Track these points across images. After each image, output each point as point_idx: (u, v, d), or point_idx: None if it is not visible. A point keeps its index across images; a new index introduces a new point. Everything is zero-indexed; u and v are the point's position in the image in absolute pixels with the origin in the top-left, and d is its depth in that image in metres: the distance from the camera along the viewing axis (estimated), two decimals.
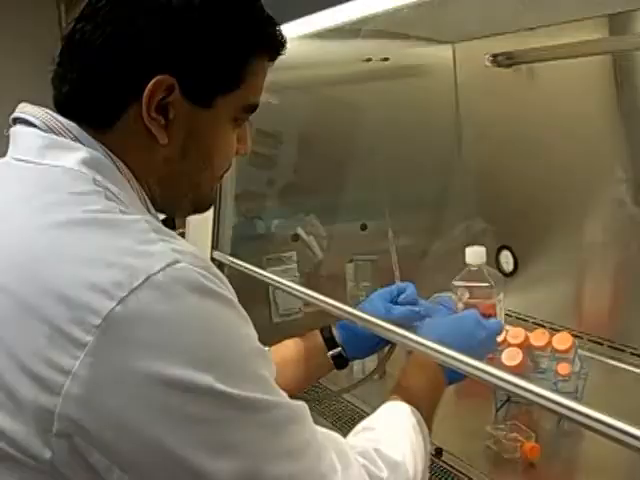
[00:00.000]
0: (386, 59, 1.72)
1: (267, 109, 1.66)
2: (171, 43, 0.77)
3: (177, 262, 0.66)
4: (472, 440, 1.18)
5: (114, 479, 0.65)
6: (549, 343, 1.22)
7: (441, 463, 1.10)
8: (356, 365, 1.47)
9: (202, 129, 0.82)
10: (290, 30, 1.44)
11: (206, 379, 0.64)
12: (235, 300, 0.72)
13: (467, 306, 1.48)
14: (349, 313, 1.13)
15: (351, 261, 1.47)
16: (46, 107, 0.82)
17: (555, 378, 1.19)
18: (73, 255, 0.66)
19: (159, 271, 0.65)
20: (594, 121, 1.46)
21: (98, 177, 0.76)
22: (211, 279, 0.69)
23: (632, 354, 1.43)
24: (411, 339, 0.98)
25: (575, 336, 1.28)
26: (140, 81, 0.76)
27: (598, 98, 1.47)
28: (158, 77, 0.76)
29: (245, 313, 0.73)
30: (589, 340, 1.49)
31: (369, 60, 1.71)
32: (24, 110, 0.81)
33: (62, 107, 0.81)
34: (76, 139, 0.78)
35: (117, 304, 0.62)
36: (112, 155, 0.79)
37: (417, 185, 1.77)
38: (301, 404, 0.75)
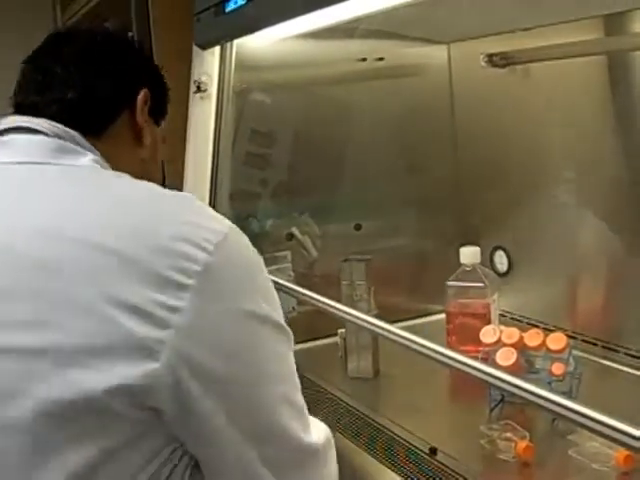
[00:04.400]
0: (381, 59, 1.72)
1: (262, 109, 1.69)
2: (140, 69, 1.02)
3: (232, 225, 0.81)
4: (466, 440, 1.18)
5: (206, 408, 0.75)
6: (543, 343, 1.22)
7: (435, 462, 1.10)
8: (350, 364, 1.47)
9: (155, 139, 1.03)
10: (285, 29, 1.45)
11: (273, 313, 0.81)
12: None
13: (461, 307, 1.50)
14: (343, 312, 1.14)
15: (345, 261, 1.47)
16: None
17: (549, 378, 1.19)
18: (164, 215, 0.79)
19: (230, 231, 0.80)
20: (589, 121, 1.46)
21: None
22: None
23: (626, 354, 1.43)
24: (402, 336, 0.98)
25: (569, 336, 1.28)
26: (131, 93, 0.98)
27: (593, 98, 1.47)
28: (145, 89, 0.99)
29: None
30: (583, 340, 1.49)
31: (364, 60, 1.72)
32: (24, 120, 0.90)
33: (60, 116, 0.91)
34: (78, 144, 0.90)
35: (210, 255, 0.75)
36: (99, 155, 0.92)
37: (411, 185, 1.78)
38: None
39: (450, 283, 1.51)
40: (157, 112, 1.04)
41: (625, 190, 1.42)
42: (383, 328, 1.05)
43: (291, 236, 1.71)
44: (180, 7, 1.80)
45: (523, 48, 1.54)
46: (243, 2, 1.42)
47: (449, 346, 1.46)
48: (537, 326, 1.53)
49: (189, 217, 0.79)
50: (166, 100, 1.08)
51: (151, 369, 0.71)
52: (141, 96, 0.98)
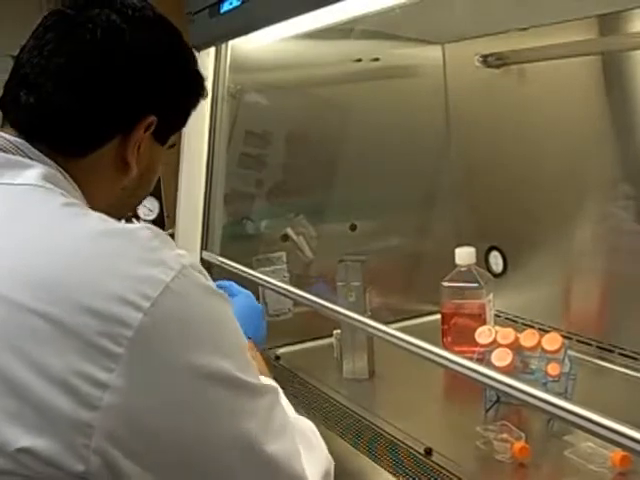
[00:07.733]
0: (376, 59, 1.72)
1: (257, 110, 1.69)
2: (157, 88, 0.85)
3: (184, 267, 0.70)
4: (462, 440, 1.18)
5: None
6: (539, 344, 1.22)
7: (431, 463, 1.10)
8: (345, 365, 1.47)
9: (155, 160, 0.90)
10: (281, 30, 1.45)
11: (227, 367, 0.70)
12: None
13: (457, 307, 1.50)
14: (339, 313, 1.13)
15: (341, 261, 1.47)
16: None
17: (545, 378, 1.19)
18: (94, 267, 0.67)
19: (174, 278, 0.69)
20: (584, 122, 1.47)
21: (63, 191, 0.77)
22: (208, 278, 0.75)
23: (620, 355, 1.43)
24: (398, 337, 0.98)
25: (564, 337, 1.28)
26: (131, 119, 0.83)
27: (588, 98, 1.47)
28: (151, 117, 0.83)
29: None
30: (578, 341, 1.49)
31: (359, 60, 1.71)
32: None
33: (32, 129, 0.80)
34: (25, 155, 0.78)
35: (144, 315, 0.65)
36: (61, 169, 0.80)
37: (407, 185, 1.77)
38: (276, 386, 0.82)
39: (445, 284, 1.51)
40: (167, 133, 0.90)
41: (620, 189, 1.42)
42: (378, 329, 1.05)
43: (286, 237, 1.71)
44: (174, 7, 1.79)
45: (518, 48, 1.54)
46: (238, 3, 1.41)
47: (444, 347, 1.46)
48: (532, 326, 1.53)
49: (130, 267, 0.68)
50: (183, 121, 0.93)
51: (80, 453, 0.63)
52: (143, 125, 0.83)
